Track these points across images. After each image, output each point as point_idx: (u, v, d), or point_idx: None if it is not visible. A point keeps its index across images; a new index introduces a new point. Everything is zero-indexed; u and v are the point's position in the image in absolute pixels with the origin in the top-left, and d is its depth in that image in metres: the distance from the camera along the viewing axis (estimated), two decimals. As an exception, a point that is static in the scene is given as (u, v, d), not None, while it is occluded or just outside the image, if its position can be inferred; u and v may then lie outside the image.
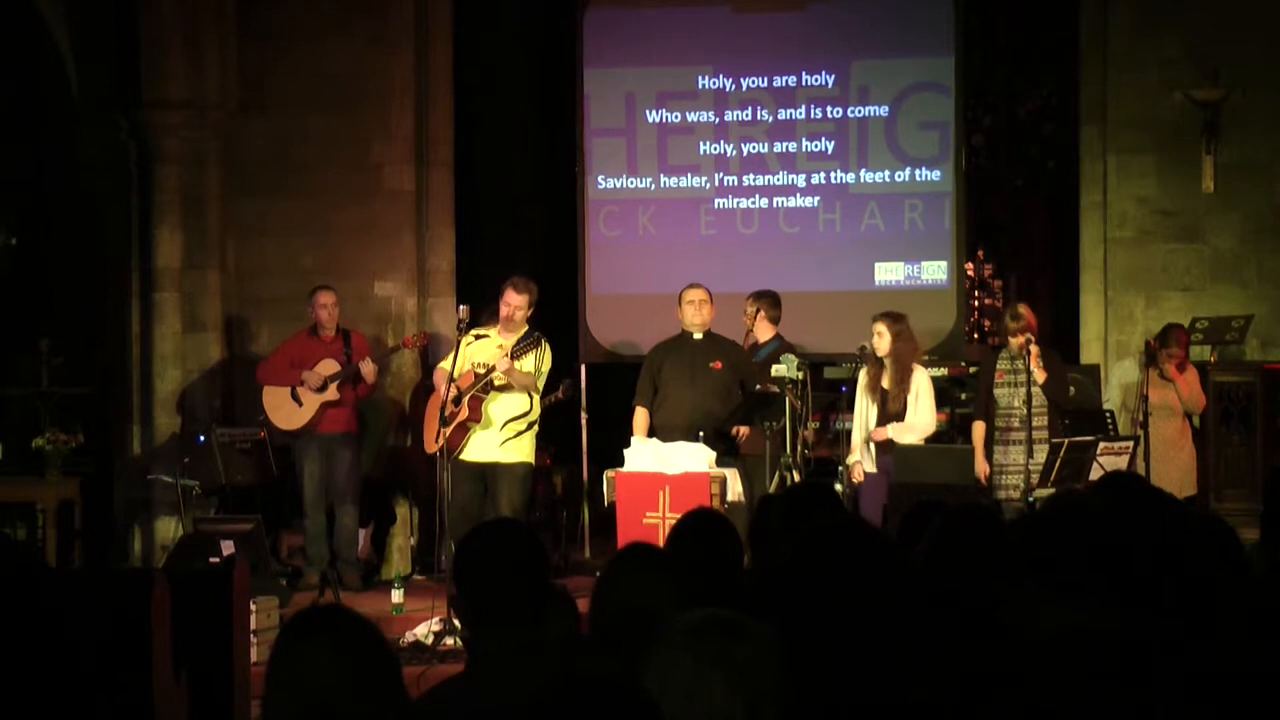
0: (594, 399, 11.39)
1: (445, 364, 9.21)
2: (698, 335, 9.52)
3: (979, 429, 9.18)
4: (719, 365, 9.45)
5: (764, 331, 10.04)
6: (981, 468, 9.07)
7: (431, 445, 9.17)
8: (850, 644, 3.22)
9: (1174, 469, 9.35)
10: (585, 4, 11.56)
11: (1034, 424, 8.86)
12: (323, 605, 3.91)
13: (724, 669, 2.40)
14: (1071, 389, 9.70)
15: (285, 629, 2.90)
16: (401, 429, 11.01)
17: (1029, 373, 8.90)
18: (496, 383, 9.03)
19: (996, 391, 9.10)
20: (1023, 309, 9.25)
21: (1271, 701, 3.05)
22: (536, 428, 9.36)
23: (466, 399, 8.95)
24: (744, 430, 9.40)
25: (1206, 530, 3.71)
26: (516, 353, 8.96)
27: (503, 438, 9.16)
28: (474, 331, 9.27)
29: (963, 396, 11.35)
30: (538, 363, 9.15)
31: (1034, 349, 8.93)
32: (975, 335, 13.26)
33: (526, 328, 9.22)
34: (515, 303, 9.15)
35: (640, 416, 9.46)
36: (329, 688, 2.75)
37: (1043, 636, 2.70)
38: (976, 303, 13.55)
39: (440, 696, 3.19)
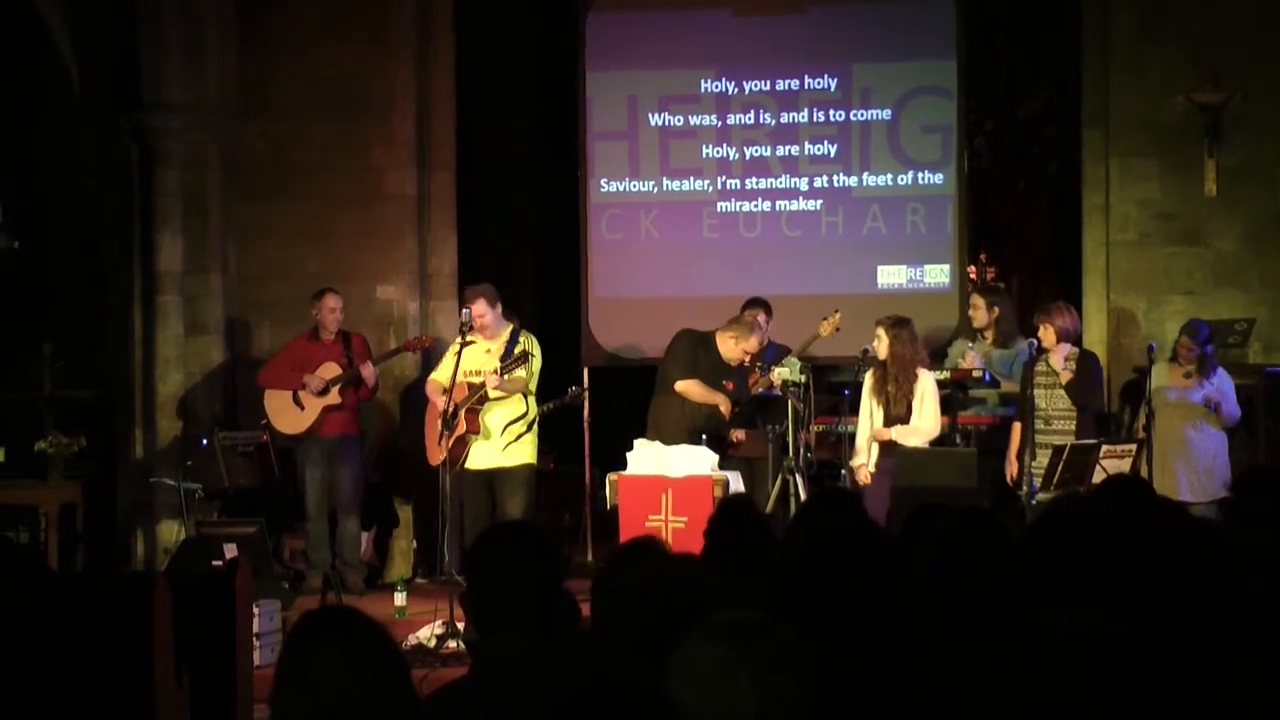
0: (596, 402, 11.37)
1: (438, 375, 9.23)
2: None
3: (1015, 430, 9.22)
4: (731, 386, 9.49)
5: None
6: (1009, 468, 9.14)
7: (435, 458, 9.18)
8: (854, 644, 3.22)
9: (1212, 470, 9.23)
10: (587, 7, 11.55)
11: (1057, 427, 8.92)
12: (332, 606, 3.90)
13: (746, 663, 2.49)
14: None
15: (294, 629, 2.90)
16: (402, 432, 10.99)
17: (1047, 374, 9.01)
18: (491, 395, 9.04)
19: (1033, 393, 9.13)
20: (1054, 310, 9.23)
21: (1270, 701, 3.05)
22: (536, 427, 9.34)
23: (463, 412, 8.94)
24: (739, 434, 9.43)
25: (1201, 534, 3.71)
26: (507, 368, 8.94)
27: (504, 442, 9.14)
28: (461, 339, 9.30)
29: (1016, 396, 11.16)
30: (528, 367, 9.14)
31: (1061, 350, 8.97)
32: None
33: (508, 326, 9.22)
34: (479, 310, 9.12)
35: (693, 383, 9.44)
36: (338, 688, 2.75)
37: (1045, 639, 2.70)
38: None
39: (446, 699, 3.19)
